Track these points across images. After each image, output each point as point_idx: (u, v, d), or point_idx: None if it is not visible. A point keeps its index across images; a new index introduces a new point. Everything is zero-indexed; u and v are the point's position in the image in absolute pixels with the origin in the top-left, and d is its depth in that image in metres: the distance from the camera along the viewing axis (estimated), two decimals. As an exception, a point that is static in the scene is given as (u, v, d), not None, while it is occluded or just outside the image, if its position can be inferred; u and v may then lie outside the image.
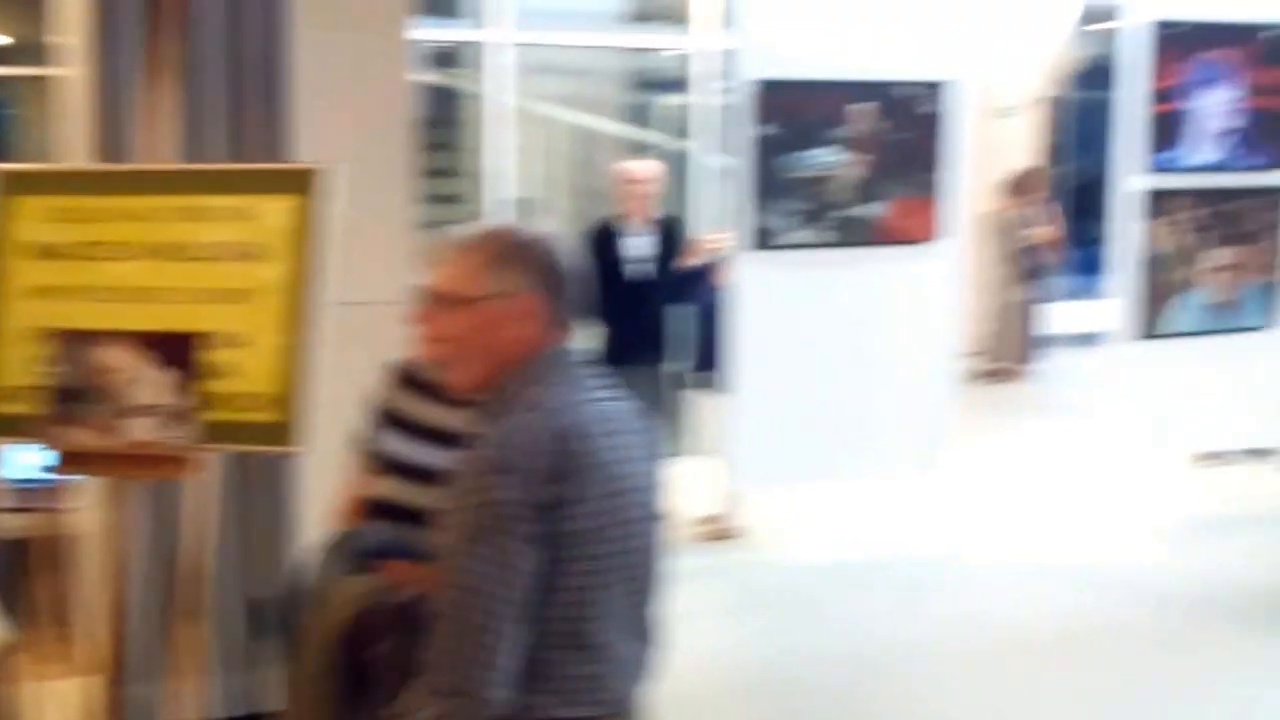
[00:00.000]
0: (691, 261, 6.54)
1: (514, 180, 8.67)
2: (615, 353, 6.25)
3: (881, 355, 6.07)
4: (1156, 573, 6.43)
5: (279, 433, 3.35)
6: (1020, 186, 11.09)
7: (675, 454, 6.51)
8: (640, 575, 2.25)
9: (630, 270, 6.42)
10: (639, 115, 9.90)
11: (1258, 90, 6.73)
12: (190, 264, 3.42)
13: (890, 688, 5.14)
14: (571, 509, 2.08)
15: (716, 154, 8.60)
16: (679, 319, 6.75)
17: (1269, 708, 5.06)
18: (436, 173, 8.77)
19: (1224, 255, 6.80)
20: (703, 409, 6.75)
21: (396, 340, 2.92)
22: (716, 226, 8.06)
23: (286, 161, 4.07)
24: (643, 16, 10.15)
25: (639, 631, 2.27)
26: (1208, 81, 6.65)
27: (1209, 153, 6.70)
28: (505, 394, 2.19)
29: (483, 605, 2.03)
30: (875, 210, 5.97)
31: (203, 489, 3.56)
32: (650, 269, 6.47)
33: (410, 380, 2.82)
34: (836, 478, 6.38)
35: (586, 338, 5.30)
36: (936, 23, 6.01)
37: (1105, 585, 6.29)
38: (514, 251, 2.22)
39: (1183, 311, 6.71)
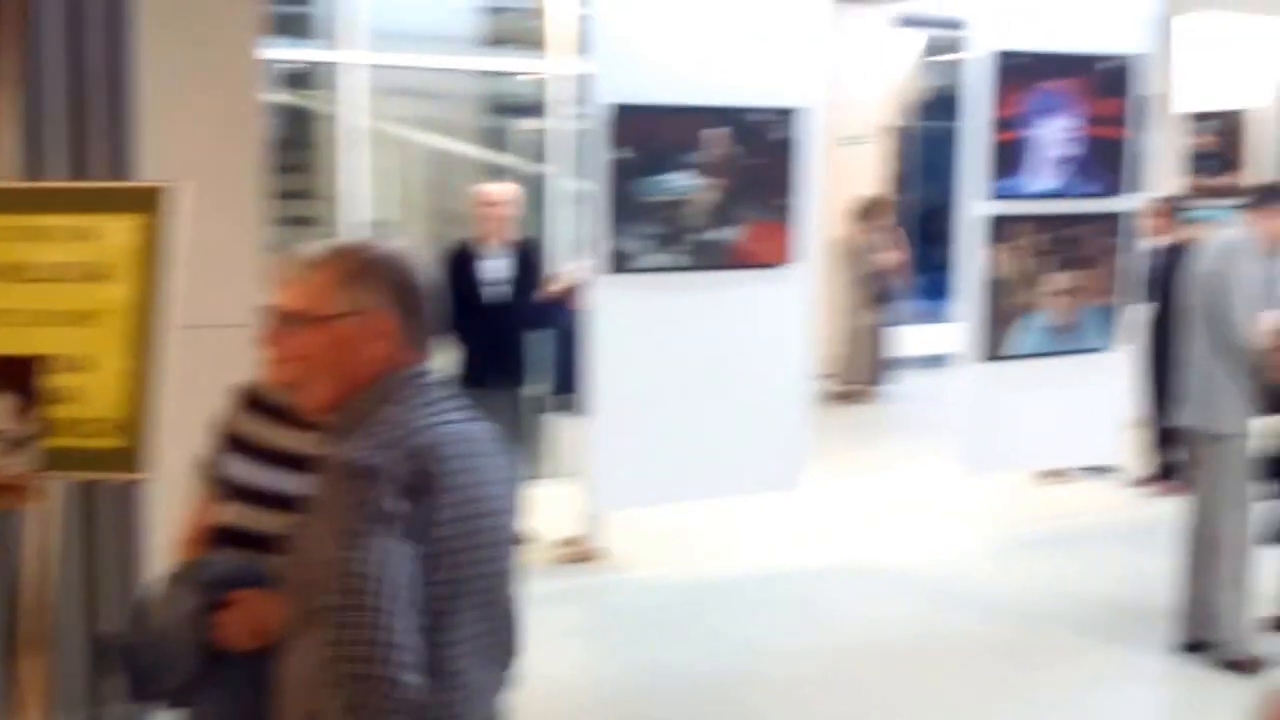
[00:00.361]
0: (552, 291, 6.57)
1: (368, 203, 8.58)
2: (473, 376, 6.24)
3: (739, 377, 6.13)
4: (1003, 585, 6.61)
5: (125, 459, 3.27)
6: (867, 213, 11.33)
7: (535, 477, 6.51)
8: (496, 601, 2.20)
9: (488, 293, 6.40)
10: (496, 138, 9.88)
11: (1094, 120, 6.98)
12: (31, 285, 3.32)
13: (750, 703, 5.20)
14: (424, 531, 2.04)
15: (573, 178, 8.62)
16: (537, 342, 6.75)
17: (1106, 712, 5.25)
18: (290, 195, 8.63)
19: (1063, 279, 7.01)
20: (562, 432, 6.75)
21: (246, 364, 2.87)
22: (573, 250, 8.10)
23: (131, 179, 3.98)
24: (499, 40, 10.15)
25: (494, 658, 2.22)
26: (1047, 111, 6.86)
27: (1048, 180, 6.91)
28: (358, 414, 2.15)
29: (374, 590, 1.98)
30: (729, 234, 6.03)
31: (45, 518, 3.44)
32: (507, 291, 6.47)
33: (257, 403, 2.76)
34: (697, 498, 6.42)
35: (444, 359, 5.26)
36: (788, 50, 6.11)
37: (954, 598, 6.44)
38: (367, 268, 2.18)
39: (1025, 334, 6.90)
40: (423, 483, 2.05)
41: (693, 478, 6.08)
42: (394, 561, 2.00)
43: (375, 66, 8.43)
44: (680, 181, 5.92)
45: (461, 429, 2.19)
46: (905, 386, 11.66)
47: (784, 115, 6.11)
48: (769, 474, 6.29)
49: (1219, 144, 11.82)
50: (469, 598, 2.11)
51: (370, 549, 1.99)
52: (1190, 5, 10.13)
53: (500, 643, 2.24)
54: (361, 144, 8.37)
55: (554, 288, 6.64)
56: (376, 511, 2.00)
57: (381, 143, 9.02)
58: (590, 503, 6.16)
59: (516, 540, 2.28)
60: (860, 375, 11.39)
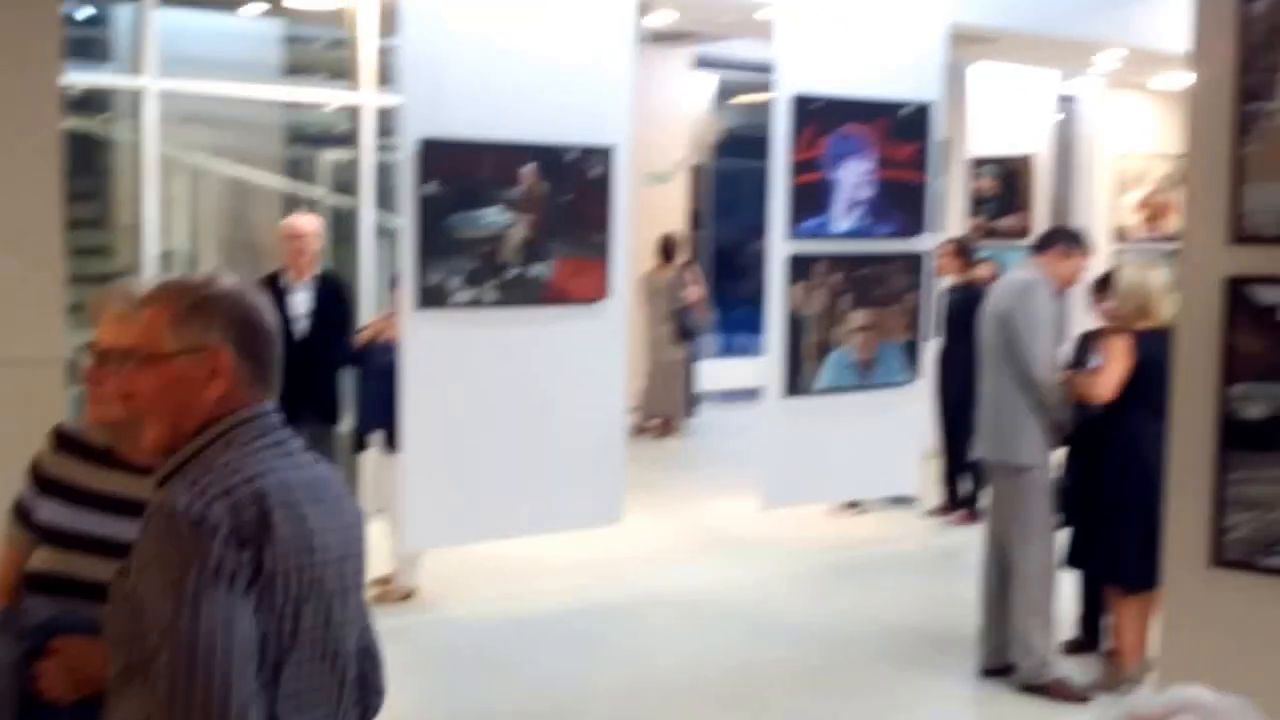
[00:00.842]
0: (369, 337, 6.50)
1: (163, 232, 8.35)
2: (285, 413, 6.10)
3: (554, 412, 6.15)
4: (812, 615, 6.76)
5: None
6: (671, 250, 11.50)
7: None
8: (340, 651, 2.11)
9: (297, 328, 6.30)
10: (304, 170, 9.72)
11: (891, 163, 7.24)
12: None
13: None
14: (261, 581, 1.96)
15: (385, 211, 8.55)
16: (350, 377, 6.67)
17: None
18: (83, 223, 8.33)
19: (863, 317, 7.25)
20: (376, 469, 6.67)
21: (50, 401, 2.76)
22: (382, 284, 8.02)
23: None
24: (303, 69, 9.99)
25: (335, 713, 2.12)
26: (846, 154, 7.10)
27: (848, 221, 7.15)
28: (192, 458, 2.05)
29: (209, 649, 1.89)
30: (542, 270, 6.06)
31: None
32: (309, 326, 6.38)
33: (74, 444, 2.65)
34: (513, 535, 6.41)
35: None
36: (596, 88, 6.18)
37: (767, 629, 6.56)
38: (203, 305, 2.08)
39: (828, 369, 7.11)
40: (258, 531, 1.96)
41: (508, 514, 6.07)
42: (230, 619, 1.92)
43: (171, 93, 8.21)
44: (492, 217, 5.93)
45: (302, 473, 2.11)
46: (711, 421, 11.85)
47: (594, 152, 6.18)
48: (587, 509, 6.32)
49: (1001, 187, 12.37)
50: (310, 648, 2.03)
51: (204, 606, 1.90)
52: (975, 55, 10.60)
53: (343, 698, 2.14)
54: (156, 172, 8.14)
55: (367, 331, 6.59)
56: (209, 566, 1.92)
57: (178, 171, 8.78)
58: (403, 541, 6.09)
59: (362, 588, 2.21)
60: (667, 410, 11.53)
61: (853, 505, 8.65)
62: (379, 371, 6.32)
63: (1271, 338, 2.60)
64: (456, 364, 5.89)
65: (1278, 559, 2.65)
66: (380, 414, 6.28)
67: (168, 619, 1.91)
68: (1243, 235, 2.63)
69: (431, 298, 5.79)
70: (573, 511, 6.31)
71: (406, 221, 5.79)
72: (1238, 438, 2.67)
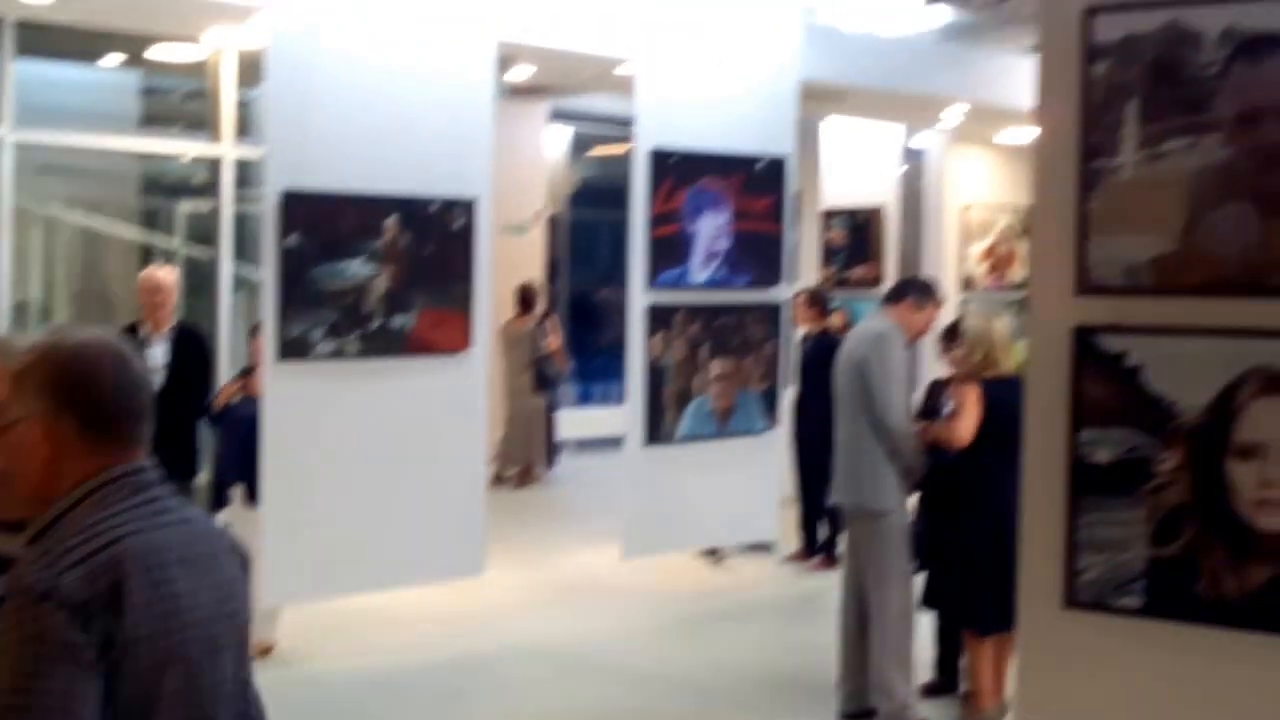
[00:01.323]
0: (227, 398, 6.41)
1: (16, 284, 8.14)
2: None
3: (417, 464, 6.13)
4: (675, 663, 6.79)
5: None
6: (529, 300, 11.54)
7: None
8: (208, 715, 2.03)
9: (154, 380, 6.19)
10: (160, 221, 9.56)
11: (745, 215, 7.40)
12: None
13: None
14: (115, 652, 1.88)
15: (242, 262, 8.45)
16: (209, 430, 6.56)
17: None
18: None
19: (721, 366, 7.37)
20: (236, 523, 6.54)
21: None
22: (243, 335, 7.90)
23: None
24: (164, 120, 9.84)
25: None
26: (702, 207, 7.24)
27: (705, 272, 7.28)
28: (62, 515, 1.97)
29: None
30: (405, 321, 6.06)
31: None
32: (164, 378, 6.27)
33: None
34: (376, 588, 6.35)
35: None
36: (457, 141, 6.22)
37: (627, 678, 6.58)
38: (29, 372, 2.01)
39: (687, 418, 7.20)
40: (111, 601, 1.89)
41: (370, 567, 6.03)
42: (77, 698, 1.84)
43: (27, 144, 8.04)
44: (355, 269, 5.91)
45: (171, 533, 2.04)
46: (572, 470, 11.88)
47: (456, 204, 6.22)
48: (449, 561, 6.30)
49: (852, 238, 12.67)
50: (172, 713, 1.96)
51: (44, 682, 1.83)
52: (826, 110, 10.89)
53: None
54: (11, 224, 7.95)
55: (224, 394, 6.50)
56: (51, 641, 1.84)
57: (33, 223, 8.58)
58: (263, 596, 5.98)
59: (239, 648, 2.16)
60: (527, 459, 11.52)
61: (712, 553, 8.74)
62: (239, 424, 6.23)
63: (1117, 385, 2.73)
64: (318, 416, 5.85)
65: (1128, 600, 2.77)
66: (240, 467, 6.18)
67: (11, 698, 1.84)
68: (1088, 287, 2.76)
69: (293, 350, 5.75)
70: (435, 563, 6.28)
71: (268, 273, 5.75)
72: (1087, 482, 2.79)
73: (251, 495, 6.06)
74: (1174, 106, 2.66)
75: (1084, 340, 2.76)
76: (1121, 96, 2.72)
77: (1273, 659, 2.63)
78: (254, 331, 6.34)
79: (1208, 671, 2.72)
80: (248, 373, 6.43)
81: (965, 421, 5.48)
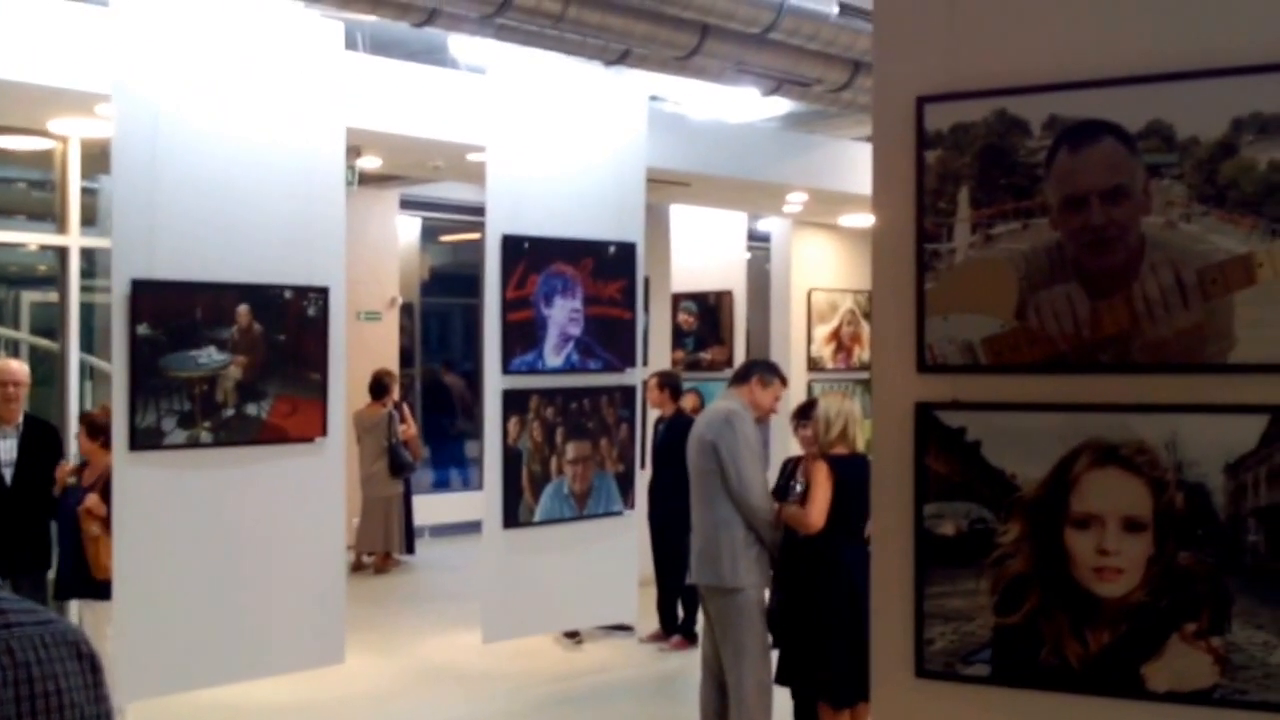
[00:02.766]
0: (65, 481, 6.25)
1: None
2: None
3: (273, 553, 6.03)
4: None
5: None
6: (383, 387, 11.46)
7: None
8: None
9: (4, 475, 6.03)
10: (4, 311, 9.29)
11: (596, 300, 7.49)
12: None
13: None
14: None
15: (87, 353, 8.25)
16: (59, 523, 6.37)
17: None
18: None
19: (576, 449, 7.41)
20: (84, 617, 6.35)
21: None
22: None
23: None
24: (6, 210, 9.61)
25: None
26: (554, 292, 7.31)
27: (558, 356, 7.33)
28: None
29: None
30: (259, 409, 5.99)
31: None
32: (14, 473, 6.10)
33: None
34: (233, 680, 6.19)
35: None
36: (309, 229, 6.20)
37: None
38: None
39: (544, 501, 7.21)
40: None
41: (227, 659, 5.89)
42: None
43: None
44: (206, 357, 5.84)
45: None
46: (430, 556, 11.75)
47: (309, 291, 6.19)
48: (308, 650, 6.19)
49: (702, 322, 12.87)
50: None
51: None
52: (673, 197, 11.09)
53: None
54: None
55: (64, 479, 6.33)
56: None
57: None
58: (115, 693, 5.81)
59: None
60: (384, 546, 11.38)
61: (573, 635, 8.71)
62: (72, 515, 6.07)
63: (958, 459, 2.84)
64: (171, 506, 5.73)
65: (976, 668, 2.85)
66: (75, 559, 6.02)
67: None
68: (928, 365, 2.87)
69: (144, 440, 5.64)
70: (294, 653, 6.17)
71: (117, 363, 5.65)
72: (933, 554, 2.88)
73: (103, 589, 5.91)
74: (1004, 191, 2.80)
75: (925, 416, 2.86)
76: (954, 182, 2.85)
77: None
78: (83, 420, 6.24)
79: (1053, 735, 2.81)
80: (83, 466, 6.29)
81: (818, 505, 5.60)
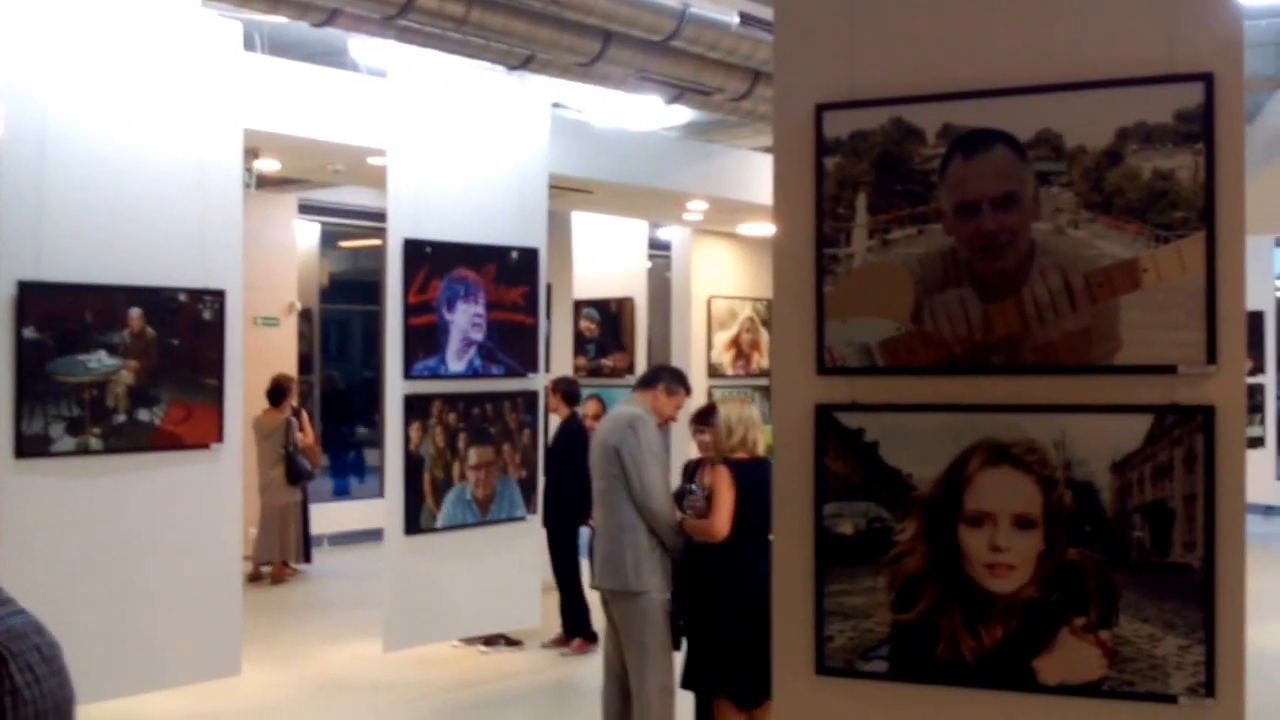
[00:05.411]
0: None
1: None
2: None
3: (164, 561, 5.94)
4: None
5: None
6: (281, 393, 11.33)
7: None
8: None
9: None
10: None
11: (498, 305, 7.49)
12: None
13: None
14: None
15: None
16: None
17: None
18: None
19: (479, 454, 7.40)
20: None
21: None
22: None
23: None
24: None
25: None
26: (457, 297, 7.29)
27: (461, 361, 7.31)
28: None
29: None
30: (152, 415, 5.89)
31: None
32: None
33: None
34: (123, 694, 6.08)
35: None
36: (204, 233, 6.12)
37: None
38: None
39: (447, 507, 7.19)
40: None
41: (120, 671, 5.78)
42: None
43: None
44: (96, 362, 5.73)
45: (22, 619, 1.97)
46: (330, 564, 11.63)
47: (204, 295, 6.11)
48: (202, 661, 6.10)
49: (603, 328, 12.90)
50: None
51: None
52: (575, 204, 11.12)
53: None
54: None
55: None
56: None
57: None
58: None
59: None
60: (282, 555, 11.23)
61: (490, 641, 8.69)
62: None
63: (856, 459, 2.89)
64: (59, 515, 5.62)
65: (873, 664, 2.91)
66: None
67: None
68: (827, 368, 2.93)
69: (31, 447, 5.52)
70: (188, 665, 6.08)
71: (2, 367, 5.52)
72: (833, 553, 2.93)
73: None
74: (900, 197, 2.86)
75: (824, 417, 2.92)
76: (852, 189, 2.91)
77: (1009, 716, 2.80)
78: None
79: (949, 730, 2.87)
80: None
81: (721, 512, 5.63)
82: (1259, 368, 14.64)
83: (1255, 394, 14.68)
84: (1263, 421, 15.13)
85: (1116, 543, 2.67)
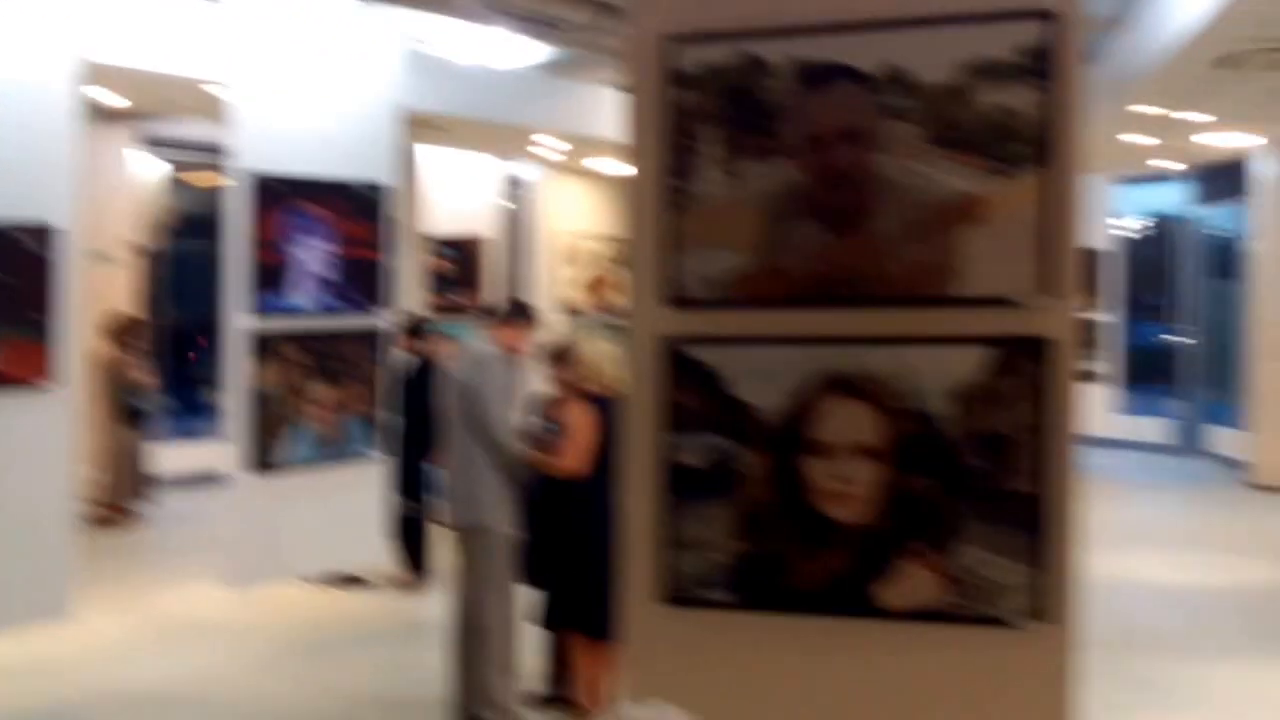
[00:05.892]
0: None
1: None
2: None
3: (-5, 503, 5.74)
4: (279, 697, 6.65)
5: None
6: (119, 331, 11.02)
7: None
8: None
9: None
10: None
11: (346, 241, 7.35)
12: None
13: None
14: None
15: None
16: None
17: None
18: None
19: (326, 392, 7.28)
20: None
21: None
22: None
23: None
24: None
25: None
26: (305, 232, 7.14)
27: (309, 298, 7.17)
28: None
29: None
30: (-19, 353, 5.67)
31: None
32: None
33: None
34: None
35: None
36: (37, 166, 5.89)
37: (234, 714, 6.39)
38: None
39: (292, 445, 7.07)
40: None
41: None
42: None
43: None
44: (-78, 298, 5.50)
45: None
46: (170, 505, 11.38)
47: (34, 230, 5.88)
48: (33, 605, 5.92)
49: (455, 265, 12.80)
50: None
51: None
52: (426, 139, 10.97)
53: None
54: None
55: None
56: None
57: None
58: None
59: None
60: (121, 496, 10.96)
61: (332, 581, 8.61)
62: None
63: (704, 392, 2.91)
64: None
65: (720, 594, 2.95)
66: None
67: None
68: (676, 300, 2.93)
69: None
70: (13, 608, 5.89)
71: None
72: (680, 484, 2.96)
73: None
74: (749, 131, 2.87)
75: (673, 350, 2.93)
76: (701, 123, 2.91)
77: (851, 641, 2.87)
78: None
79: (796, 657, 2.93)
80: None
81: (575, 446, 5.65)
82: (1098, 305, 15.19)
83: (1092, 331, 15.21)
84: (1100, 358, 15.69)
85: (955, 472, 2.74)
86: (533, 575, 5.92)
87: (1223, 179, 14.45)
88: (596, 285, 13.66)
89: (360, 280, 7.45)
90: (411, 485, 8.58)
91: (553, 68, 10.91)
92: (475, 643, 5.79)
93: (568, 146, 11.63)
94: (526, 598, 5.96)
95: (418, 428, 7.88)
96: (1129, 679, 6.66)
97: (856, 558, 2.82)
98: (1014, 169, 2.68)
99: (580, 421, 5.69)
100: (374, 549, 7.71)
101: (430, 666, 6.24)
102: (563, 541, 5.82)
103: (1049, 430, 2.69)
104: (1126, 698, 6.38)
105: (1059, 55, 2.66)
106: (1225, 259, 14.93)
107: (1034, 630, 2.72)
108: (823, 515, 2.83)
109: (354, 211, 7.39)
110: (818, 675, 2.92)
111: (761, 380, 2.86)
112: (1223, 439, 14.33)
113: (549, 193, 13.22)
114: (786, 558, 2.87)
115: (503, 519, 5.74)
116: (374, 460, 7.57)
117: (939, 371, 2.73)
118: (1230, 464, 13.60)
